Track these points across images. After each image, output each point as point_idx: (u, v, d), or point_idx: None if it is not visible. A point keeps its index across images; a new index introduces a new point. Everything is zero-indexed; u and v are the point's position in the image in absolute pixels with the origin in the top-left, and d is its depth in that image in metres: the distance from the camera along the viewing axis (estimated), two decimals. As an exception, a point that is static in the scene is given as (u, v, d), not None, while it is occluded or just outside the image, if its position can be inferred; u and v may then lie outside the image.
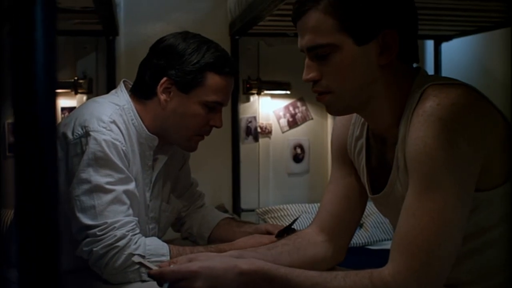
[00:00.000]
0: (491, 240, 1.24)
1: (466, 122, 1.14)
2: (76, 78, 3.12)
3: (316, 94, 1.28)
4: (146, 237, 1.66)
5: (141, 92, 1.79)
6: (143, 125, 1.74)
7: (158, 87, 1.74)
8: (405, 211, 1.17)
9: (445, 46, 3.39)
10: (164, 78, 1.73)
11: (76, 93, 3.13)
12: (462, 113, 1.13)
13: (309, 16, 1.22)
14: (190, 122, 1.75)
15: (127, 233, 1.56)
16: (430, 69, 3.35)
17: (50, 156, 0.54)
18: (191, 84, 1.73)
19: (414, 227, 1.14)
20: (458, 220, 1.14)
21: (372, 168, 1.39)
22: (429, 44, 3.45)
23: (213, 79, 1.73)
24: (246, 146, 3.37)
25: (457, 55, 3.36)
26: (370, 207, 1.57)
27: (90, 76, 3.17)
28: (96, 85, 3.17)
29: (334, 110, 1.32)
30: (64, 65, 3.15)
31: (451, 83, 1.21)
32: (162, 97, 1.74)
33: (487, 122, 1.18)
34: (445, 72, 3.36)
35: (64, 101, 3.14)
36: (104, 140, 1.60)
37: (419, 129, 1.14)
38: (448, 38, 3.31)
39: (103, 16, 2.49)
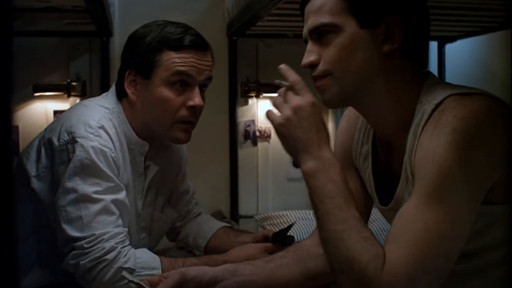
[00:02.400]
0: (502, 257, 1.17)
1: (482, 136, 1.07)
2: (69, 80, 3.07)
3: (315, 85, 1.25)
4: (137, 247, 1.60)
5: (119, 94, 1.72)
6: (131, 130, 1.68)
7: (125, 82, 1.67)
8: (400, 217, 1.10)
9: (449, 47, 3.32)
10: (128, 71, 1.67)
11: (69, 96, 3.07)
12: (478, 126, 1.07)
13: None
14: (163, 108, 1.65)
15: (116, 245, 1.50)
16: (433, 71, 3.25)
17: (6, 165, 0.46)
18: (149, 67, 1.64)
19: (406, 232, 1.06)
20: (456, 237, 1.07)
21: (379, 175, 1.33)
22: (433, 46, 3.39)
23: (169, 56, 1.64)
24: (244, 151, 3.33)
25: (461, 56, 3.30)
26: (374, 213, 1.51)
27: (83, 78, 3.11)
28: (90, 88, 3.12)
29: (330, 96, 1.25)
30: (57, 67, 3.11)
31: (470, 92, 1.13)
32: (130, 91, 1.67)
33: (505, 135, 1.10)
34: (449, 74, 3.30)
35: (56, 105, 3.09)
36: (92, 147, 1.54)
37: (431, 139, 1.09)
38: (452, 39, 3.25)
39: (96, 15, 2.44)
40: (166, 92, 1.64)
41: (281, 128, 1.19)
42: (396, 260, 1.04)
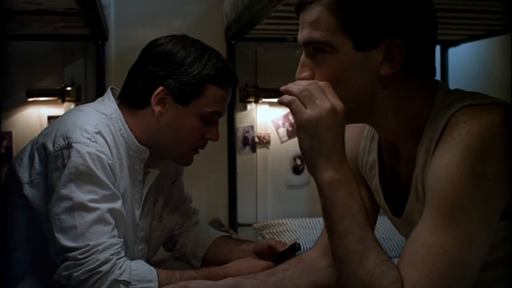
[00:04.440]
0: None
1: (496, 152, 1.02)
2: (63, 85, 3.05)
3: None
4: (135, 259, 1.57)
5: (131, 101, 1.67)
6: (132, 136, 1.63)
7: (153, 97, 1.63)
8: (415, 238, 1.05)
9: (452, 51, 3.29)
10: (160, 88, 1.62)
11: (63, 101, 3.04)
12: (494, 142, 1.02)
13: (311, 9, 1.13)
14: (186, 135, 1.65)
15: (111, 256, 1.45)
16: (436, 75, 3.23)
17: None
18: (191, 95, 1.62)
19: (423, 256, 1.02)
20: (473, 259, 1.03)
21: (386, 184, 1.29)
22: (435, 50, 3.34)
23: (213, 91, 1.64)
24: (243, 157, 3.30)
25: (464, 60, 3.27)
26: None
27: (78, 83, 3.08)
28: (85, 93, 3.08)
29: None
30: (51, 72, 3.08)
31: (484, 103, 1.08)
32: (157, 108, 1.63)
33: None
34: (451, 79, 3.27)
35: (51, 110, 3.05)
36: (88, 152, 1.49)
37: (444, 156, 1.04)
38: (456, 43, 3.22)
39: (89, 18, 2.39)
40: (196, 123, 1.64)
41: (309, 125, 1.09)
42: (415, 287, 1.01)
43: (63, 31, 2.82)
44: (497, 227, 1.06)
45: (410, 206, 1.17)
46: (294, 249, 1.67)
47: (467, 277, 1.03)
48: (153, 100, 1.62)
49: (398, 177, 1.23)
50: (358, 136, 1.36)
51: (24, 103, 3.01)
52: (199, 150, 1.72)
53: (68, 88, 3.03)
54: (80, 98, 3.04)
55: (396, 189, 1.24)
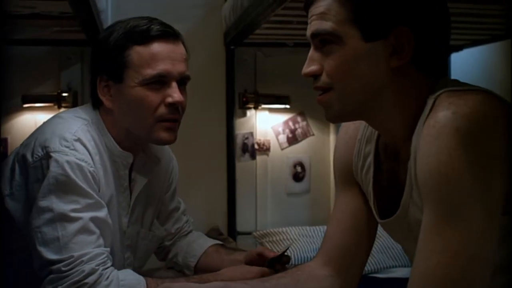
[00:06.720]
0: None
1: (489, 134, 0.98)
2: (59, 91, 3.04)
3: (318, 94, 1.18)
4: (122, 267, 1.52)
5: (94, 104, 1.62)
6: (113, 141, 1.57)
7: (98, 90, 1.57)
8: (421, 247, 1.02)
9: (454, 56, 3.23)
10: (98, 78, 1.56)
11: (59, 107, 3.03)
12: (484, 123, 0.98)
13: (320, 2, 1.14)
14: (141, 108, 1.53)
15: (96, 267, 1.40)
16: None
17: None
18: (120, 68, 1.53)
19: (434, 265, 0.98)
20: (486, 254, 0.98)
21: (382, 188, 1.25)
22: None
23: (137, 53, 1.52)
24: (242, 164, 3.30)
25: (467, 66, 3.21)
26: (377, 229, 1.43)
27: (75, 88, 3.08)
28: (82, 99, 3.06)
29: (332, 113, 1.18)
30: (47, 77, 3.07)
31: (470, 89, 1.05)
32: (104, 98, 1.56)
33: (508, 132, 1.00)
34: (454, 85, 3.22)
35: (47, 116, 2.92)
36: (67, 161, 1.44)
37: (432, 143, 0.99)
38: (459, 48, 3.16)
39: (85, 22, 2.35)
40: (141, 92, 1.52)
41: None
42: None
43: (59, 36, 2.81)
44: (500, 223, 1.01)
45: (406, 200, 1.13)
46: (283, 261, 1.61)
47: (483, 274, 0.98)
48: (99, 93, 1.56)
49: (398, 180, 1.18)
50: (350, 140, 1.33)
51: (19, 109, 2.99)
52: (175, 121, 1.57)
53: (65, 94, 3.02)
54: (76, 104, 3.01)
55: (395, 192, 1.19)
